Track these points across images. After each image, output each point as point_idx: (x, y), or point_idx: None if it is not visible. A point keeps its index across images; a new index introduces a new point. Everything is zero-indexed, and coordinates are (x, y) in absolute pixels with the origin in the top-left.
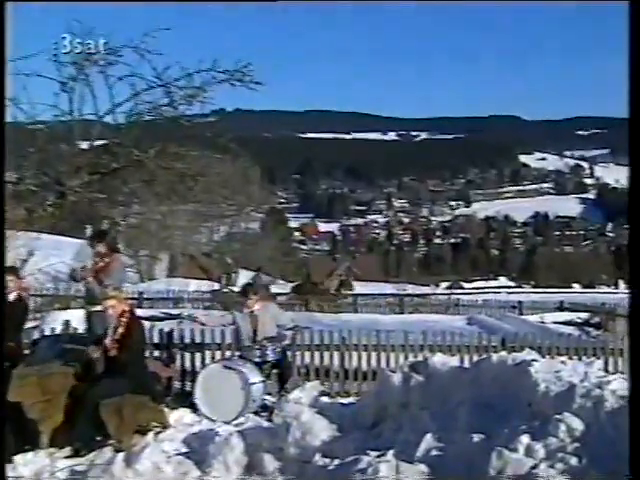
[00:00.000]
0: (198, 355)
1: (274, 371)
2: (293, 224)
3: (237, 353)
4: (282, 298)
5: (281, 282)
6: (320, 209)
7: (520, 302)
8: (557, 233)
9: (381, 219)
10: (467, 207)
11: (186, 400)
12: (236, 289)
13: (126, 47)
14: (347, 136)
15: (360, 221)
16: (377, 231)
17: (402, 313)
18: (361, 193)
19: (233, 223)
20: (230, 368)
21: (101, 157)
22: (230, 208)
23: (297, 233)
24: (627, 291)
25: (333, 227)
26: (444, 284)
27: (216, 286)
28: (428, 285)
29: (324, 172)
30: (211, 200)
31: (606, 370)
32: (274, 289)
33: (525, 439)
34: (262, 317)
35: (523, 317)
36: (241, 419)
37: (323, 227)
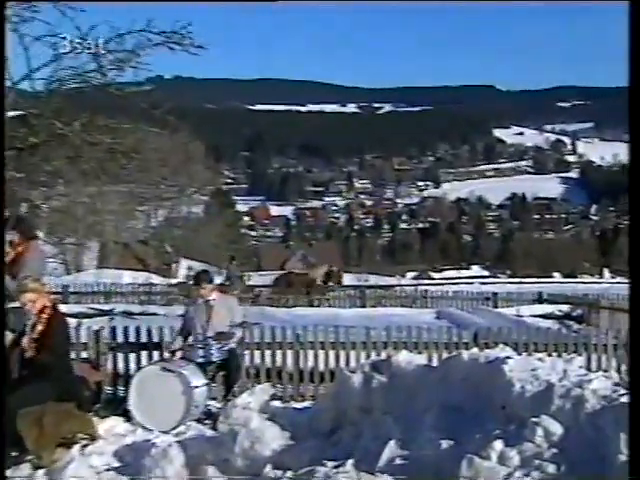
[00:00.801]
0: (133, 356)
1: (220, 373)
2: (241, 207)
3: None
4: (260, 291)
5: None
6: (272, 190)
7: (495, 294)
8: (536, 216)
9: (341, 202)
10: (436, 188)
11: (118, 407)
12: (175, 281)
13: (44, 1)
14: (302, 108)
15: (317, 204)
16: (336, 215)
17: (364, 307)
18: (318, 173)
19: (173, 206)
20: (169, 370)
21: (17, 130)
22: (169, 189)
23: (246, 218)
24: (612, 280)
25: (287, 211)
26: (411, 274)
27: (172, 280)
28: (393, 275)
29: (276, 149)
30: (147, 180)
31: (588, 368)
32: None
33: (498, 445)
34: (218, 308)
35: (497, 310)
36: (181, 428)
37: (275, 211)
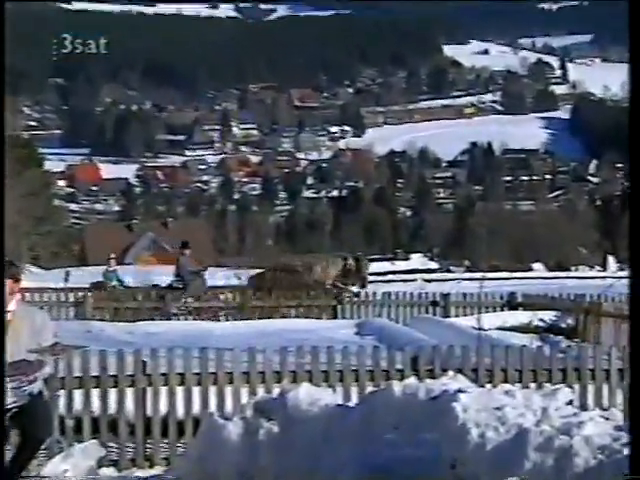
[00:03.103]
0: None
1: (14, 429)
2: (54, 166)
3: None
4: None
5: (33, 269)
6: (102, 140)
7: (445, 296)
8: (507, 179)
9: (212, 157)
10: (358, 136)
11: None
12: None
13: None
14: (149, 9)
15: (175, 161)
16: (205, 178)
17: (248, 318)
18: (175, 112)
19: None
20: None
21: None
22: None
23: (62, 182)
24: (620, 274)
25: (126, 171)
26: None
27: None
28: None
29: (108, 73)
30: None
31: (581, 404)
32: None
33: None
34: (17, 325)
35: (449, 320)
36: None
37: (108, 171)
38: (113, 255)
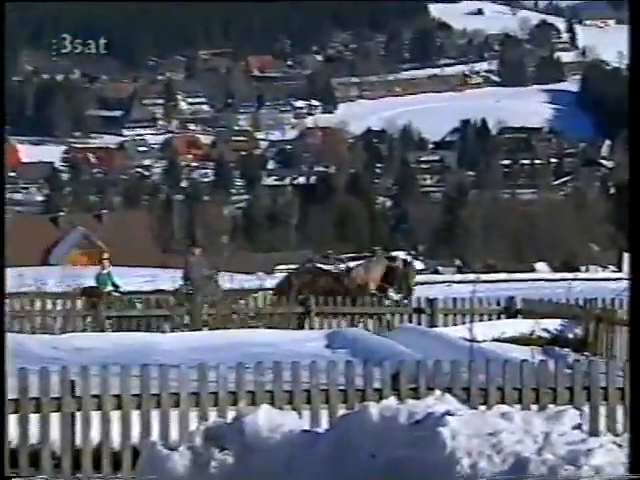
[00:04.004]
0: None
1: None
2: None
3: None
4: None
5: None
6: (20, 116)
7: (432, 301)
8: (505, 163)
9: (153, 137)
10: (329, 112)
11: None
12: None
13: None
14: None
15: (109, 141)
16: (146, 162)
17: (198, 328)
18: (110, 83)
19: None
20: None
21: None
22: None
23: None
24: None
25: (51, 153)
26: (284, 268)
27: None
28: (252, 272)
29: (28, 35)
30: None
31: (591, 429)
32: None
33: None
34: None
35: (436, 330)
36: None
37: (29, 153)
38: (106, 255)
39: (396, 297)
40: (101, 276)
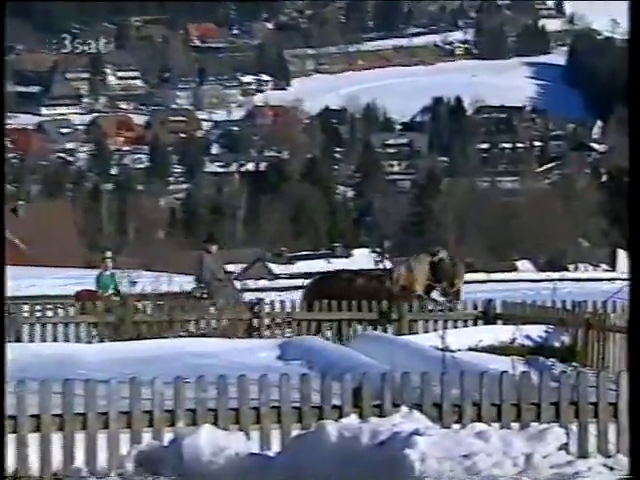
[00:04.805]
0: None
1: None
2: None
3: None
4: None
5: None
6: None
7: (400, 305)
8: (482, 146)
9: (78, 116)
10: (281, 88)
11: None
12: None
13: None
14: None
15: (25, 121)
16: (68, 145)
17: (130, 338)
18: (25, 53)
19: None
20: None
21: None
22: None
23: None
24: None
25: None
26: (229, 267)
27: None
28: (190, 273)
29: None
30: None
31: (580, 448)
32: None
33: None
34: None
35: (404, 339)
36: None
37: None
38: (109, 254)
39: (441, 299)
40: (103, 277)
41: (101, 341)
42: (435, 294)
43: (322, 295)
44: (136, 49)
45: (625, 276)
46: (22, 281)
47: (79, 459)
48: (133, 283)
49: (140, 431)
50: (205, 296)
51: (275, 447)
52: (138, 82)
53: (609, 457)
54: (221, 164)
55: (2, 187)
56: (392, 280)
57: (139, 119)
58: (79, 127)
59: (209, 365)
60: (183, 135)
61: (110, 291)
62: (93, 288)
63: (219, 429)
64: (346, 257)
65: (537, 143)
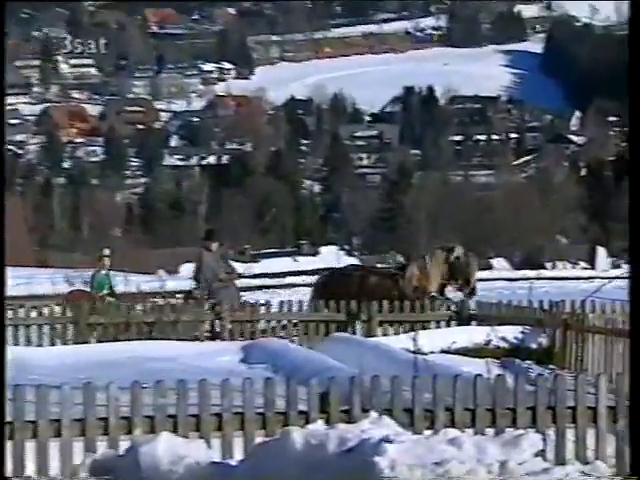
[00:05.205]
0: None
1: None
2: None
3: None
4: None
5: None
6: None
7: (370, 306)
8: (455, 139)
9: (27, 106)
10: (244, 78)
11: None
12: None
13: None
14: None
15: None
16: (17, 137)
17: (84, 341)
18: None
19: None
20: None
21: None
22: None
23: None
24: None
25: None
26: (188, 267)
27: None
28: (151, 272)
29: None
30: None
31: (557, 455)
32: None
33: None
34: None
35: (373, 341)
36: None
37: None
38: (107, 252)
39: (456, 298)
40: (98, 276)
41: (52, 344)
42: (449, 292)
43: (332, 294)
44: (90, 35)
45: (605, 274)
46: None
47: (30, 468)
48: (87, 283)
49: (94, 439)
50: (206, 297)
51: (238, 455)
52: (92, 70)
53: (587, 464)
54: (181, 157)
55: (2, 187)
56: (404, 279)
57: (93, 109)
58: (29, 118)
59: (168, 369)
60: (140, 126)
61: (104, 291)
62: (84, 288)
63: (178, 437)
64: (313, 255)
65: (513, 135)
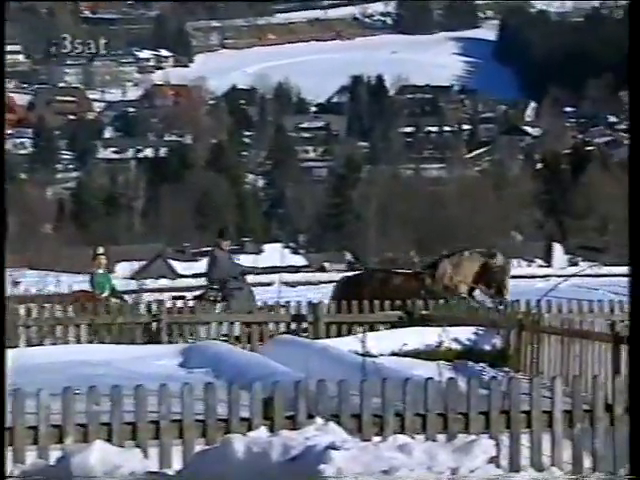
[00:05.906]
0: None
1: None
2: None
3: None
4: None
5: None
6: None
7: (316, 306)
8: (406, 130)
9: None
10: (183, 66)
11: None
12: None
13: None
14: None
15: None
16: None
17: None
18: None
19: None
20: None
21: None
22: None
23: None
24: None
25: None
26: (126, 266)
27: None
28: (83, 272)
29: None
30: None
31: (511, 461)
32: None
33: None
34: None
35: (320, 343)
36: None
37: None
38: (101, 250)
39: (488, 302)
40: (97, 277)
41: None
42: (478, 295)
43: (354, 295)
44: (18, 20)
45: (561, 272)
46: None
47: None
48: (15, 283)
49: (24, 449)
50: (219, 299)
51: (176, 465)
52: (20, 57)
53: (542, 470)
54: (116, 150)
55: (2, 187)
56: (434, 278)
57: (21, 99)
58: None
59: (102, 374)
60: (72, 117)
61: (107, 292)
62: (88, 289)
63: (113, 445)
64: (257, 253)
65: (466, 126)
